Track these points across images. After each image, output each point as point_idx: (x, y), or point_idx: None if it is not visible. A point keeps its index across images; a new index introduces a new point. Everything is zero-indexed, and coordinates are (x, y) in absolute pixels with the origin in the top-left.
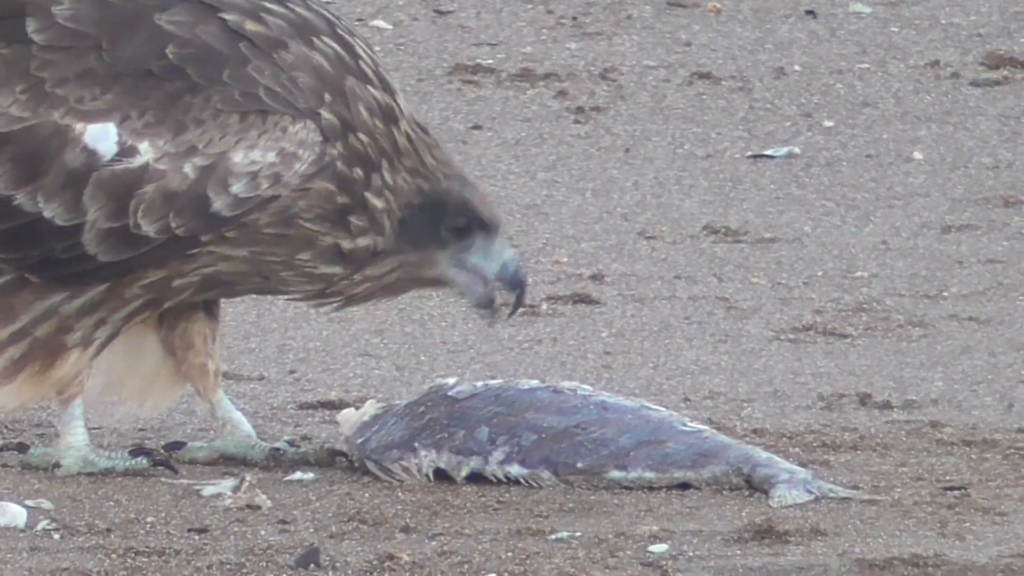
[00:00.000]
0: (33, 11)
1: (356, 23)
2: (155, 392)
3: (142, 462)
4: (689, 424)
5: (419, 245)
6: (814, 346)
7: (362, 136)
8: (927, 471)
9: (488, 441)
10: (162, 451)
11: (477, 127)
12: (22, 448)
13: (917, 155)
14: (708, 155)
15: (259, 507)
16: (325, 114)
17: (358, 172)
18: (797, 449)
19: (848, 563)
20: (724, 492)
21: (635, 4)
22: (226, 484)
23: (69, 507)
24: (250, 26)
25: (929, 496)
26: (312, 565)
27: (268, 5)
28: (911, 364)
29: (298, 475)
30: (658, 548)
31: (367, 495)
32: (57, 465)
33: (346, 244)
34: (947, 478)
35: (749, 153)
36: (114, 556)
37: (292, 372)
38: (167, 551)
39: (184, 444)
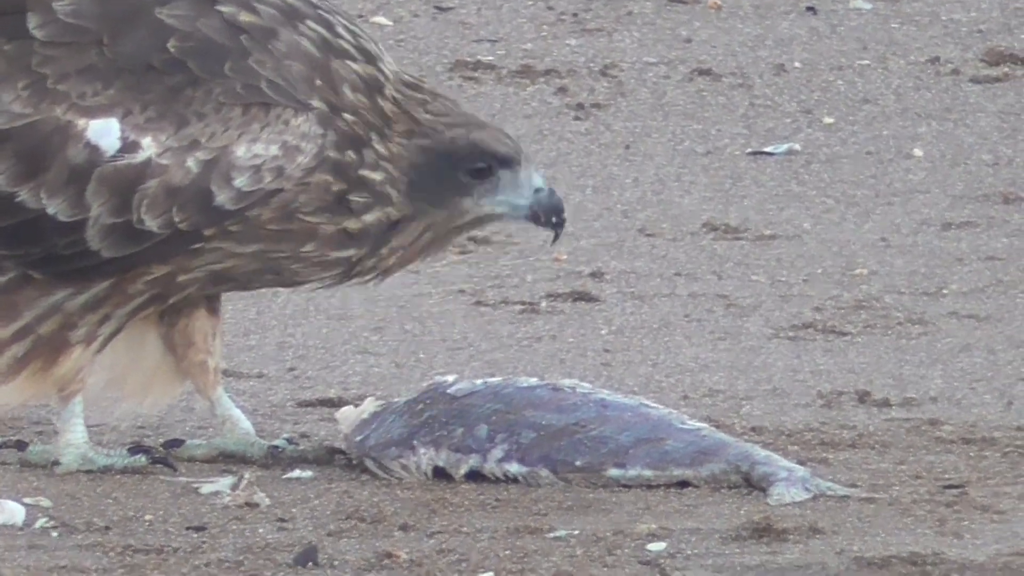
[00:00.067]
0: (34, 7)
1: (357, 20)
2: (155, 389)
3: (141, 460)
4: (688, 422)
5: (440, 201)
6: (813, 343)
7: (348, 116)
8: (926, 469)
9: (487, 439)
10: (161, 449)
11: None
12: (21, 445)
13: (917, 152)
14: (708, 152)
15: (258, 505)
16: (318, 104)
17: (350, 154)
18: (796, 447)
19: (846, 561)
20: (723, 490)
21: (635, 0)
22: (225, 482)
23: (68, 505)
24: (244, 17)
25: (928, 494)
26: (310, 563)
27: None
28: (910, 361)
29: (297, 473)
30: (656, 546)
31: (366, 493)
32: (56, 463)
33: (352, 225)
34: (946, 476)
35: (749, 150)
36: (112, 554)
37: (291, 369)
38: (165, 549)
39: (183, 442)
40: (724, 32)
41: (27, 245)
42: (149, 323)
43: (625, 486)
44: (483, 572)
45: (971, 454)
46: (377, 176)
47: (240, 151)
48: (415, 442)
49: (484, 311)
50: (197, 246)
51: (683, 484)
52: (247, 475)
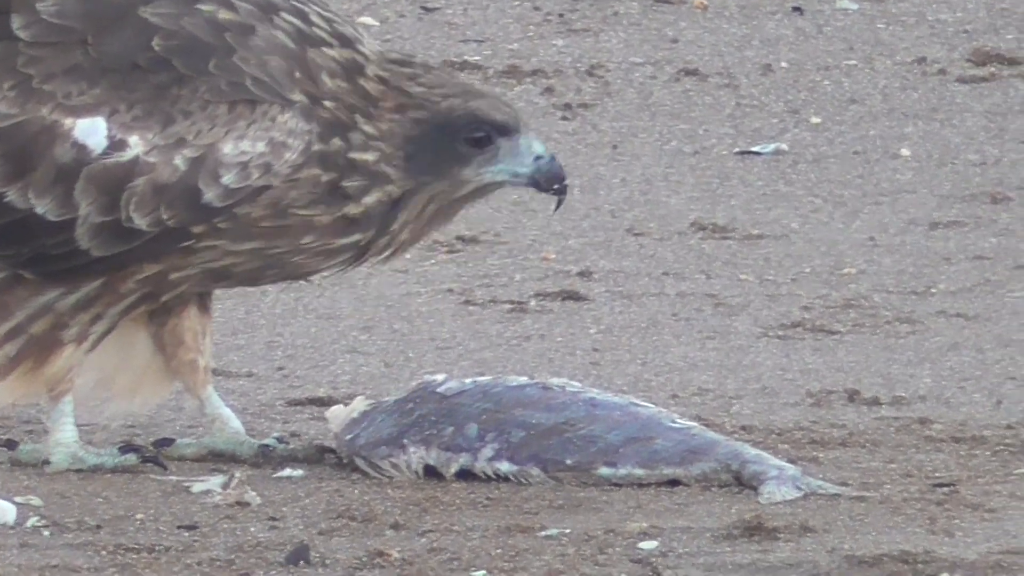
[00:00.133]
0: (18, 8)
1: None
2: (145, 388)
3: (131, 459)
4: (678, 421)
5: (440, 172)
6: (802, 343)
7: (328, 104)
8: (916, 467)
9: (477, 438)
10: (151, 448)
11: None
12: (11, 445)
13: (904, 152)
14: (695, 152)
15: (248, 504)
16: (299, 97)
17: (336, 142)
18: (786, 445)
19: (837, 560)
20: (713, 489)
21: (622, 1)
22: (215, 481)
23: (58, 504)
24: (223, 15)
25: (918, 492)
26: (301, 562)
27: None
28: (899, 360)
29: (287, 472)
30: (647, 545)
31: (356, 492)
32: (46, 462)
33: (352, 210)
34: (936, 474)
35: (736, 150)
36: (103, 553)
37: (281, 369)
38: (156, 548)
39: (173, 441)
40: (710, 32)
41: (17, 245)
42: (139, 322)
43: (616, 485)
44: (474, 571)
45: (961, 452)
46: (369, 156)
47: (227, 148)
48: (405, 441)
49: (473, 310)
50: (187, 244)
51: (674, 483)
52: (238, 474)
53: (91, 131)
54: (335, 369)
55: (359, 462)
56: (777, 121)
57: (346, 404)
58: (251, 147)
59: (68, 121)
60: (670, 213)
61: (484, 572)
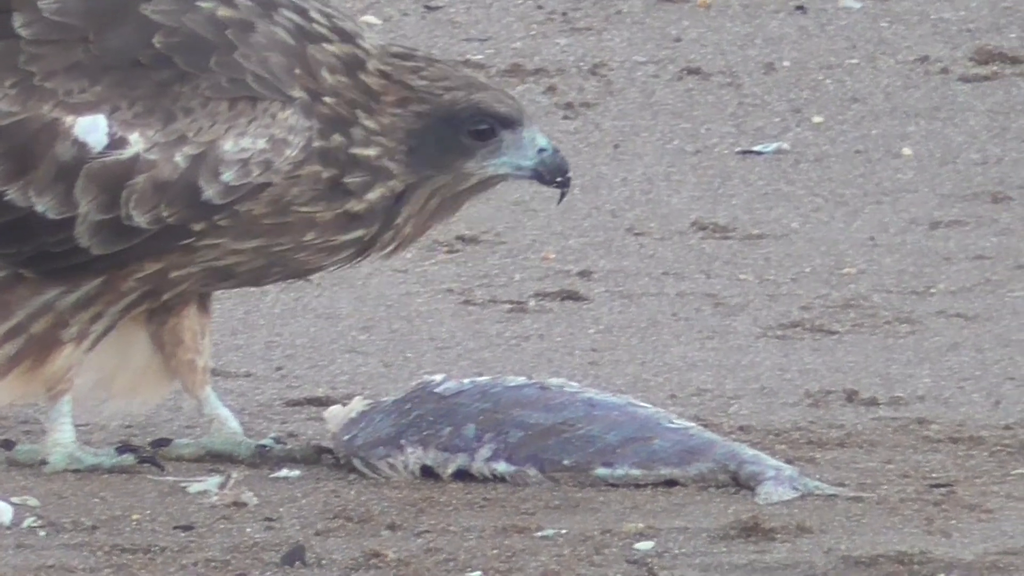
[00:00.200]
0: (19, 6)
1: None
2: (144, 388)
3: (128, 459)
4: (675, 421)
5: (443, 165)
6: (801, 343)
7: (328, 100)
8: (914, 468)
9: (475, 438)
10: (148, 448)
11: None
12: (8, 445)
13: (906, 151)
14: (697, 151)
15: (245, 504)
16: (299, 94)
17: (336, 138)
18: (783, 446)
19: (834, 560)
20: (710, 489)
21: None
22: (212, 481)
23: (55, 504)
24: (223, 12)
25: (915, 493)
26: (298, 562)
27: None
28: (898, 361)
29: (284, 472)
30: (644, 545)
31: (353, 492)
32: (44, 462)
33: (356, 207)
34: (933, 475)
35: (738, 149)
36: (100, 553)
37: (279, 369)
38: (153, 548)
39: (170, 441)
40: (713, 31)
41: (17, 243)
42: (138, 322)
43: (613, 485)
44: (471, 571)
45: (959, 453)
46: (371, 152)
47: (227, 145)
48: (403, 441)
49: (472, 310)
50: (188, 242)
51: (671, 483)
52: (235, 474)
53: (92, 129)
54: (334, 369)
55: (356, 462)
56: (779, 120)
57: (344, 404)
58: (252, 144)
59: (69, 119)
60: (671, 213)
61: (480, 573)
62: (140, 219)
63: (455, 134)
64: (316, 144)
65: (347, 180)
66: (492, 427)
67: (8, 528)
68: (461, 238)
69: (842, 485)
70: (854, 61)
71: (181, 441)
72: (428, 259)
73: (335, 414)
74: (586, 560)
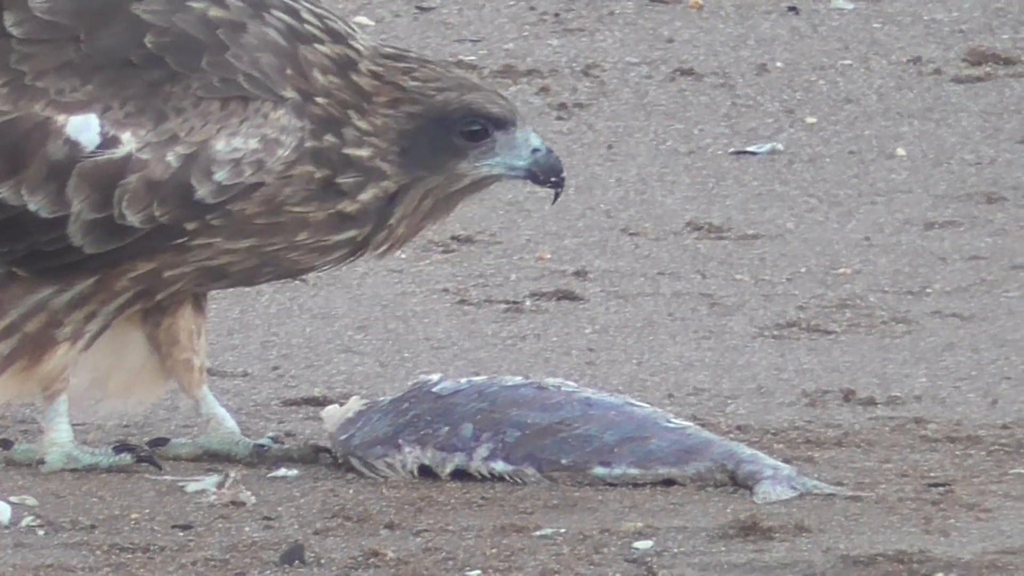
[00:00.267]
0: (10, 5)
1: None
2: (140, 388)
3: (126, 458)
4: (673, 420)
5: (436, 166)
6: (797, 342)
7: (320, 100)
8: (911, 467)
9: (472, 437)
10: (146, 447)
11: None
12: (6, 444)
13: (900, 151)
14: (691, 151)
15: (243, 503)
16: (290, 94)
17: (328, 138)
18: (781, 445)
19: (832, 559)
20: (708, 488)
21: (617, 0)
22: (210, 480)
23: (53, 503)
24: (214, 12)
25: (913, 492)
26: (296, 561)
27: None
28: (894, 360)
29: (282, 471)
30: (643, 544)
31: (351, 491)
32: (41, 461)
33: (349, 207)
34: (931, 474)
35: (732, 149)
36: (98, 552)
37: (276, 368)
38: (151, 547)
39: (168, 440)
40: (706, 32)
41: (10, 242)
42: (133, 322)
43: (611, 484)
44: (469, 570)
45: (956, 452)
46: (364, 152)
47: (219, 145)
48: (400, 441)
49: (468, 310)
50: (181, 242)
51: (669, 483)
52: (232, 474)
53: (84, 128)
54: (330, 369)
55: (354, 462)
56: (772, 121)
57: (341, 404)
58: (243, 144)
59: (61, 118)
60: (665, 213)
61: (479, 572)
62: (133, 218)
63: (448, 135)
64: (308, 144)
65: (340, 180)
66: (489, 427)
67: (6, 527)
68: (456, 238)
69: (840, 484)
70: (847, 62)
71: (178, 440)
72: (424, 259)
73: (332, 414)
74: (585, 559)
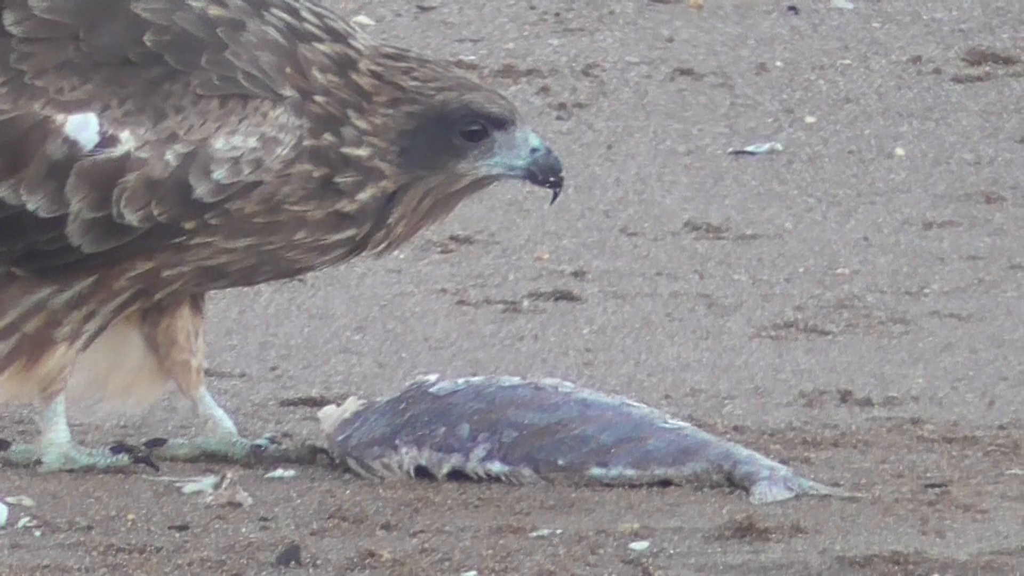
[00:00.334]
0: (9, 4)
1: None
2: (138, 388)
3: (123, 459)
4: (670, 421)
5: (435, 166)
6: (795, 343)
7: (319, 99)
8: (908, 468)
9: (469, 438)
10: (143, 448)
11: None
12: (3, 445)
13: (899, 151)
14: (690, 151)
15: (240, 504)
16: (289, 93)
17: (327, 137)
18: (778, 446)
19: (829, 560)
20: (705, 489)
21: (617, 0)
22: (207, 481)
23: (50, 504)
24: (213, 11)
25: (910, 493)
26: (293, 562)
27: None
28: (892, 361)
29: (279, 472)
30: (639, 545)
31: (348, 492)
32: (38, 462)
33: (347, 206)
34: (928, 475)
35: (731, 149)
36: (95, 553)
37: (273, 369)
38: (148, 548)
39: (165, 441)
40: (705, 32)
41: (9, 242)
42: (131, 323)
43: (607, 485)
44: (466, 571)
45: (953, 453)
46: (363, 152)
47: (218, 143)
48: (397, 441)
49: (466, 310)
50: (179, 241)
51: (665, 483)
52: (229, 474)
53: (82, 127)
54: (328, 369)
55: (351, 462)
56: (772, 120)
57: (339, 404)
58: (242, 142)
59: (60, 117)
60: (664, 213)
61: (475, 572)
62: (131, 217)
63: (447, 134)
64: (307, 143)
65: (338, 179)
66: (486, 427)
67: (3, 528)
68: (455, 238)
69: (836, 485)
70: (846, 61)
71: (176, 441)
72: (422, 259)
73: (329, 414)
74: (581, 560)
